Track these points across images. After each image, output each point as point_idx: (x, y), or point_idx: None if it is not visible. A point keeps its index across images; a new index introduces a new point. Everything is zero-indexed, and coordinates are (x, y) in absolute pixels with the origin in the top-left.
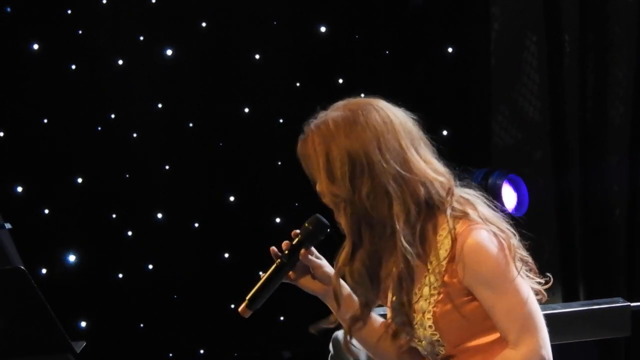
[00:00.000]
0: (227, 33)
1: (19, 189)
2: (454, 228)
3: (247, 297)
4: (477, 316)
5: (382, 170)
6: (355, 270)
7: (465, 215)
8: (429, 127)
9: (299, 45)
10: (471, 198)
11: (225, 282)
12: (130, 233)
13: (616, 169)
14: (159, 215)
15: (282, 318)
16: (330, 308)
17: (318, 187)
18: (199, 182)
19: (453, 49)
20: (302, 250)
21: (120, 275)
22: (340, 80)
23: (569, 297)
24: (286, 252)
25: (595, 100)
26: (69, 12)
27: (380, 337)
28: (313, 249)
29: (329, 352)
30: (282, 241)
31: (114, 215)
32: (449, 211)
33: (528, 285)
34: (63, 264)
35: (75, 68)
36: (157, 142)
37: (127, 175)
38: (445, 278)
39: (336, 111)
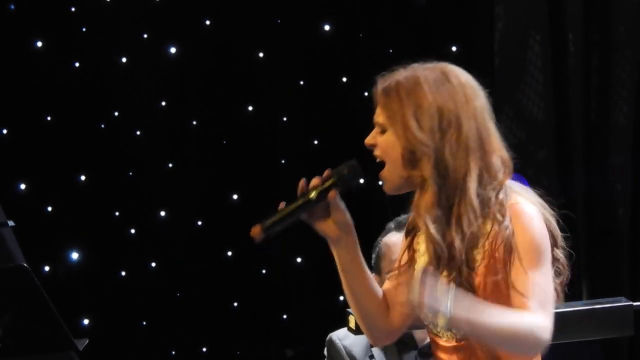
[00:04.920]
0: (231, 31)
1: (22, 187)
2: (506, 202)
3: (265, 221)
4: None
5: (468, 129)
6: (437, 218)
7: (518, 194)
8: None
9: (303, 43)
10: (521, 190)
11: (228, 280)
12: (133, 231)
13: (620, 169)
14: (162, 213)
15: (285, 317)
16: (336, 256)
17: (388, 136)
18: (203, 180)
19: (457, 49)
20: (332, 192)
21: (123, 273)
22: (344, 79)
23: (571, 297)
24: (315, 189)
25: (600, 101)
26: (73, 9)
27: (381, 306)
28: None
29: (324, 356)
30: (285, 241)
31: (117, 213)
32: (505, 188)
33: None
34: (66, 262)
35: (79, 65)
36: (160, 140)
37: (131, 173)
38: (487, 246)
39: (425, 70)
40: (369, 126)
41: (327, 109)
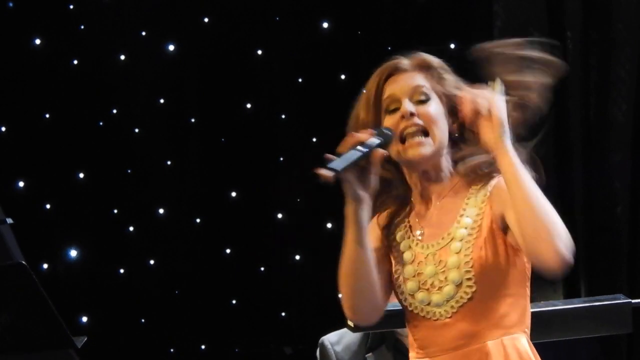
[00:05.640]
0: (230, 29)
1: (21, 184)
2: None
3: (331, 161)
4: (510, 263)
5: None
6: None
7: None
8: None
9: (302, 41)
10: None
11: (227, 277)
12: (131, 228)
13: (618, 167)
14: (161, 211)
15: (283, 314)
16: (354, 216)
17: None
18: (201, 178)
19: (455, 46)
20: (379, 151)
21: (122, 271)
22: (343, 77)
23: (570, 294)
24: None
25: (598, 98)
26: (71, 7)
27: (374, 279)
28: None
29: (316, 358)
30: (285, 238)
31: (115, 211)
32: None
33: None
34: (65, 259)
35: (78, 63)
36: (159, 138)
37: (129, 171)
38: (484, 216)
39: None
40: None
41: (325, 106)
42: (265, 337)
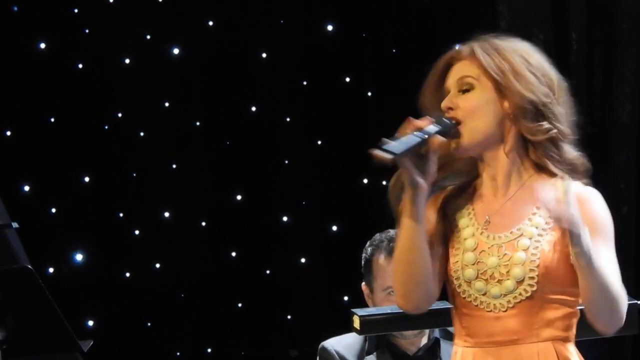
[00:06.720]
0: (234, 31)
1: (26, 188)
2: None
3: (389, 144)
4: (573, 271)
5: (560, 95)
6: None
7: None
8: None
9: (306, 43)
10: None
11: (232, 280)
12: (137, 232)
13: (623, 167)
14: (166, 214)
15: (289, 317)
16: (411, 204)
17: (478, 94)
18: (206, 181)
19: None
20: (437, 139)
21: (128, 274)
22: (347, 79)
23: None
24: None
25: (602, 98)
26: (76, 10)
27: (429, 268)
28: None
29: None
30: (290, 241)
31: (121, 214)
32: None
33: None
34: (70, 263)
35: (82, 67)
36: (164, 141)
37: (134, 174)
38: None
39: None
40: (371, 126)
41: (330, 109)
42: (271, 339)
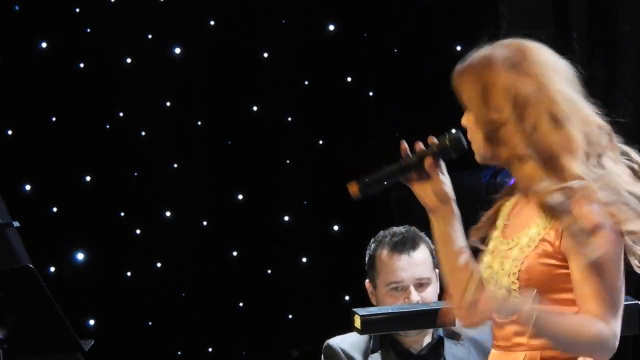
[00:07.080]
0: (236, 31)
1: (27, 187)
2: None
3: (364, 179)
4: (562, 279)
5: (550, 105)
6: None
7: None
8: (437, 125)
9: (307, 43)
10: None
11: (233, 280)
12: (138, 231)
13: None
14: (168, 214)
15: (290, 317)
16: (432, 225)
17: (469, 117)
18: (208, 181)
19: (461, 48)
20: (429, 160)
21: (129, 274)
22: (349, 79)
23: None
24: (415, 155)
25: (603, 98)
26: (77, 10)
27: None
28: (442, 163)
29: None
30: (291, 241)
31: (122, 214)
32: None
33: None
34: (71, 262)
35: (84, 66)
36: (165, 140)
37: (136, 174)
38: (547, 235)
39: (501, 48)
40: (372, 127)
41: (331, 109)
42: (272, 339)
